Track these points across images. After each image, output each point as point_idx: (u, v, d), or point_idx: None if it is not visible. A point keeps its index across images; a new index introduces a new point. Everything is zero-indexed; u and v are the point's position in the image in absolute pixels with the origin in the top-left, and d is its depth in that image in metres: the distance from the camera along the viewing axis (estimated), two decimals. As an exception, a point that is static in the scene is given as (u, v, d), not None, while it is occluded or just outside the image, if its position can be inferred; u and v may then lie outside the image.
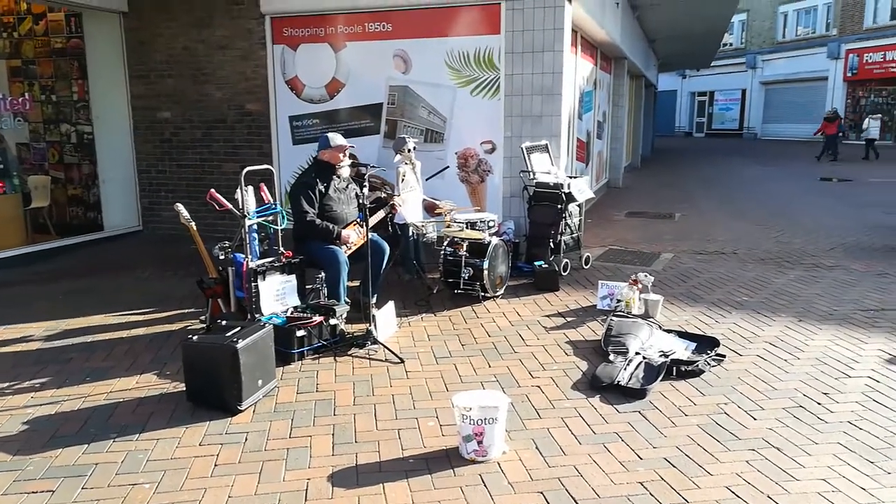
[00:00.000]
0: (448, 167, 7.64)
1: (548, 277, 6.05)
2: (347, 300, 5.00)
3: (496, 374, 4.17)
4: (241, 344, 3.57)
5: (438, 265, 5.77)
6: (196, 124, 8.51)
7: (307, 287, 4.98)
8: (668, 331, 4.79)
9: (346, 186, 5.29)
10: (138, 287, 6.30)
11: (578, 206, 6.77)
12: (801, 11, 31.67)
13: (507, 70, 7.24)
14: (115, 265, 7.21)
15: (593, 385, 3.96)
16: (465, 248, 5.54)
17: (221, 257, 4.75)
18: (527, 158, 6.72)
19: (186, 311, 5.46)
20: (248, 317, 4.49)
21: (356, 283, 5.44)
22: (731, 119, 36.46)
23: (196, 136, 8.54)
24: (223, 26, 8.15)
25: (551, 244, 6.47)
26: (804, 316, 5.27)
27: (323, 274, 4.97)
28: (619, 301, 5.31)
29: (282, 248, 4.80)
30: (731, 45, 34.87)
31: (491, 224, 5.94)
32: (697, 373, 4.11)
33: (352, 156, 5.46)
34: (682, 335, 4.72)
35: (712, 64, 29.14)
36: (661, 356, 4.25)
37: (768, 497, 2.85)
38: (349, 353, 4.48)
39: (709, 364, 4.24)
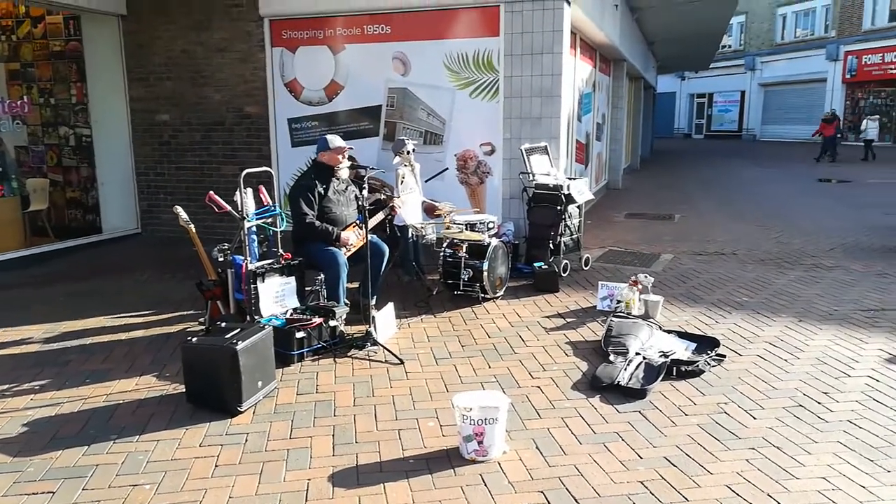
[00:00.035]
0: (447, 169, 7.64)
1: (547, 278, 6.05)
2: (347, 302, 5.00)
3: (496, 375, 4.17)
4: (240, 345, 3.57)
5: (438, 267, 5.77)
6: (195, 127, 8.51)
7: (307, 289, 4.98)
8: (669, 331, 4.79)
9: (346, 188, 5.29)
10: (137, 289, 6.29)
11: (578, 207, 6.77)
12: (799, 13, 31.71)
13: (507, 72, 7.24)
14: (114, 268, 7.20)
15: (593, 385, 3.96)
16: (464, 250, 5.54)
17: (220, 259, 4.75)
18: (526, 160, 6.73)
19: (185, 313, 5.46)
20: (248, 319, 4.49)
21: (356, 285, 5.44)
22: (730, 121, 36.49)
23: (195, 138, 8.53)
24: (222, 29, 8.16)
25: (551, 245, 6.47)
26: (804, 316, 5.27)
27: (322, 276, 4.97)
28: (619, 302, 5.31)
29: (281, 250, 4.80)
30: (729, 46, 34.94)
31: (490, 225, 5.95)
32: (697, 373, 4.12)
33: (351, 158, 5.45)
34: (683, 335, 4.72)
35: (711, 66, 29.23)
36: (661, 356, 4.25)
37: (768, 496, 2.85)
38: (349, 354, 4.48)
39: (709, 364, 4.24)
